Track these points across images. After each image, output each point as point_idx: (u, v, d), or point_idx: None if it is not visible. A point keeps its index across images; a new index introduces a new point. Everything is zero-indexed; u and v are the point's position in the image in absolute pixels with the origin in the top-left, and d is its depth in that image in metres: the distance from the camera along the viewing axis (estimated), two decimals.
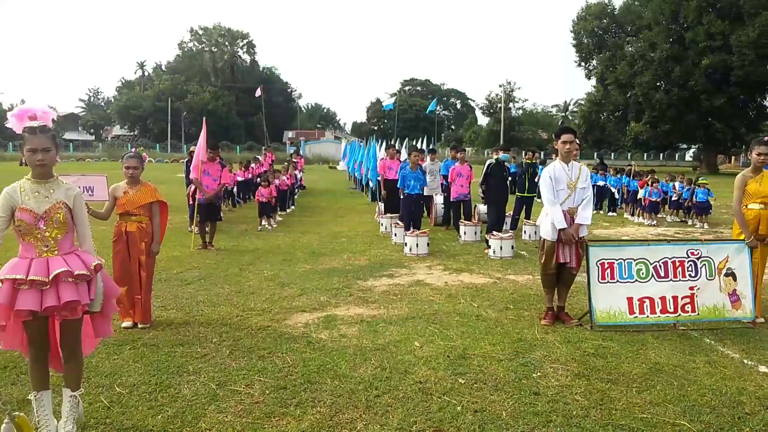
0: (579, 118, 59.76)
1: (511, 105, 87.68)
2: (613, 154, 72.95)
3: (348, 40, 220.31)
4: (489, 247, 9.34)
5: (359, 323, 5.59)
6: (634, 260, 5.64)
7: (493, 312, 6.06)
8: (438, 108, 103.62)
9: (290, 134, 71.61)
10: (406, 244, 9.32)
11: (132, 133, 73.40)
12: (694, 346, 5.05)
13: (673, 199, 14.39)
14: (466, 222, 10.80)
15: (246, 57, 76.08)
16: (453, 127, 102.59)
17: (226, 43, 74.27)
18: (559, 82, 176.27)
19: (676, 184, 14.46)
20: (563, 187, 5.57)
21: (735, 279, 5.68)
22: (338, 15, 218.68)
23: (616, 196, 16.25)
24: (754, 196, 5.76)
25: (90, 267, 3.31)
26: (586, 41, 55.21)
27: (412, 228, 9.73)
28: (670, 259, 5.64)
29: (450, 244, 10.57)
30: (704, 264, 5.66)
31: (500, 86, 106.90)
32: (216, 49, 74.16)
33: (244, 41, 76.12)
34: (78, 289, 3.24)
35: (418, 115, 78.58)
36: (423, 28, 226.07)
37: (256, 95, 44.29)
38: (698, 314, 5.60)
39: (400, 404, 3.83)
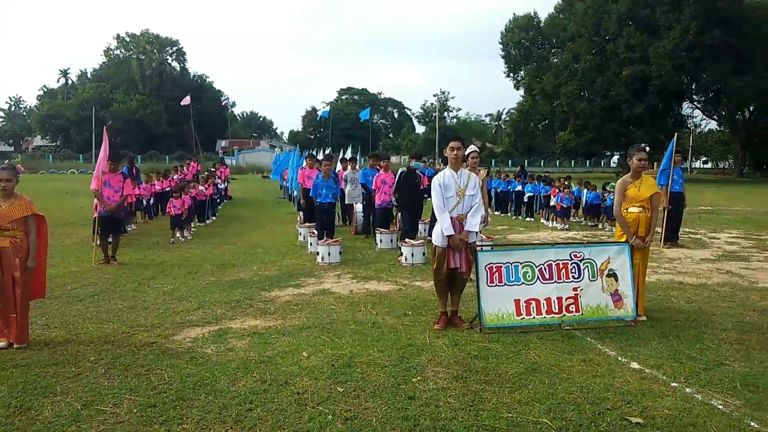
0: (509, 127, 61.55)
1: (445, 114, 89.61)
2: (543, 161, 75.64)
3: (285, 48, 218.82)
4: (402, 254, 9.42)
5: (251, 335, 5.49)
6: (521, 263, 5.82)
7: (390, 318, 6.09)
8: (375, 117, 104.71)
9: (223, 143, 70.14)
10: (318, 254, 9.27)
11: (54, 144, 69.94)
12: (575, 345, 5.24)
13: (586, 203, 15.00)
14: (382, 230, 10.86)
15: (176, 64, 74.05)
16: (391, 135, 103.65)
17: (155, 51, 71.97)
18: (495, 92, 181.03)
19: (585, 190, 15.09)
20: (452, 194, 5.69)
21: (617, 279, 5.94)
22: (277, 22, 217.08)
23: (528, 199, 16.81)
24: (634, 200, 6.06)
25: None
26: (514, 53, 57.11)
27: (325, 237, 9.70)
28: (554, 261, 5.85)
29: (366, 252, 10.60)
30: (587, 266, 5.90)
31: (434, 96, 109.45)
32: (144, 57, 71.65)
33: (174, 48, 74.06)
34: None
35: (354, 123, 78.71)
36: (360, 37, 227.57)
37: (182, 104, 42.88)
38: (582, 314, 5.82)
39: (272, 416, 3.77)
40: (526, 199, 16.77)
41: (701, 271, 8.78)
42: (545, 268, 5.83)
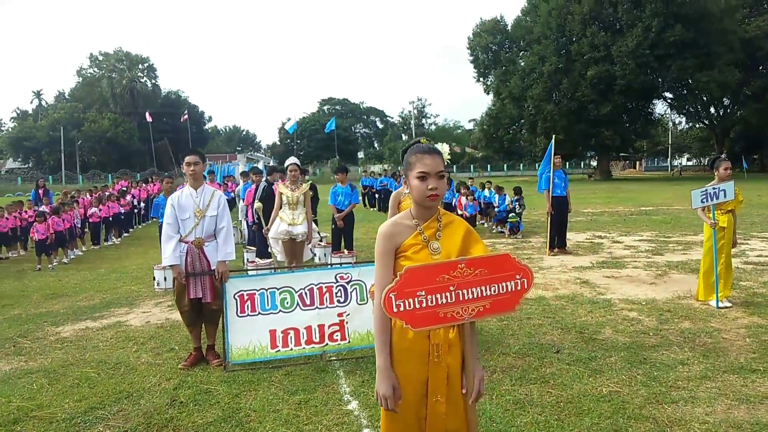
0: (479, 131, 61.11)
1: (424, 121, 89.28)
2: (522, 164, 75.09)
3: (267, 60, 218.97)
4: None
5: None
6: (278, 289, 5.21)
7: (148, 356, 5.46)
8: (357, 126, 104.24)
9: None
10: (154, 278, 8.65)
11: (26, 166, 69.26)
12: (313, 381, 4.63)
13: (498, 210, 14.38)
14: (249, 247, 10.25)
15: (147, 81, 73.40)
16: (376, 144, 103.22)
17: (125, 68, 71.46)
18: (476, 97, 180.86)
19: (497, 196, 14.49)
20: (189, 215, 5.08)
21: None
22: (256, 34, 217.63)
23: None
24: None
25: None
26: (482, 57, 56.57)
27: None
28: (316, 285, 5.24)
29: None
30: (355, 288, 5.30)
31: (410, 103, 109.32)
32: (115, 75, 71.17)
33: (145, 65, 73.53)
34: None
35: (330, 134, 78.16)
36: (342, 47, 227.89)
37: (148, 120, 42.91)
38: (349, 342, 5.22)
39: None
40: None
41: (557, 281, 8.15)
42: (306, 293, 5.23)
